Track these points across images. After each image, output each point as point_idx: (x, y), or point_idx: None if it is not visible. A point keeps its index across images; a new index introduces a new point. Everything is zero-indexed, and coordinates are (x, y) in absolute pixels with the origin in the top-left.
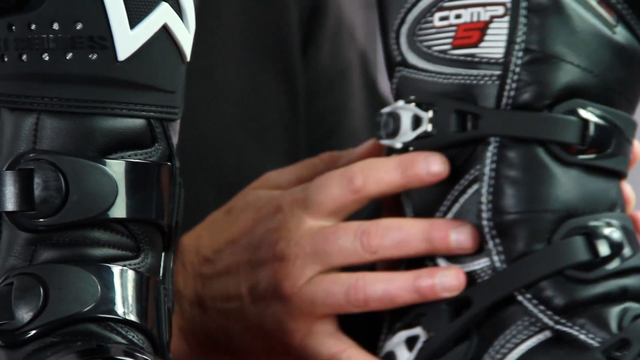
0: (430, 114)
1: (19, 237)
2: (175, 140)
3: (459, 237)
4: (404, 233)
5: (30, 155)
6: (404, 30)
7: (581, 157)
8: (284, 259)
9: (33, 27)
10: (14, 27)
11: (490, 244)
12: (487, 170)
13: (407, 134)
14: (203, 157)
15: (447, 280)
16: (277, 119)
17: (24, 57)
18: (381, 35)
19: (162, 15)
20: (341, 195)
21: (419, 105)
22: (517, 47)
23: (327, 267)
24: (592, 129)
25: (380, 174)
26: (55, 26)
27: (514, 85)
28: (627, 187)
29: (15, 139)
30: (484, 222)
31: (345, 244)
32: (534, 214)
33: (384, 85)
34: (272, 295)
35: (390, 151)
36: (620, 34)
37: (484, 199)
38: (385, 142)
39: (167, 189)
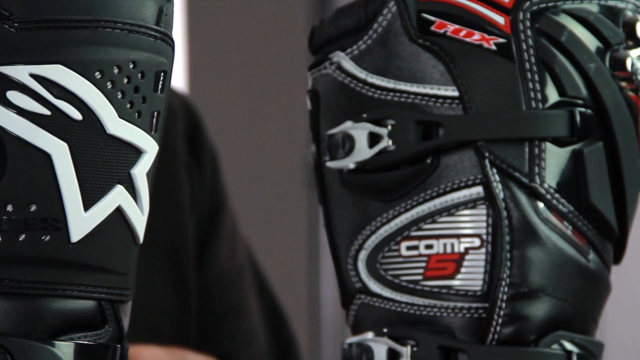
0: (409, 349)
1: None
2: (126, 322)
3: None
4: None
5: None
6: (362, 256)
7: None
8: None
9: None
10: None
11: None
12: None
13: None
14: None
15: None
16: (166, 319)
17: None
18: (332, 257)
19: (117, 197)
20: None
21: (394, 339)
22: (502, 282)
23: None
24: None
25: None
26: (9, 208)
27: (499, 320)
28: None
29: None
30: None
31: None
32: None
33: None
34: None
35: None
36: (593, 261)
37: None
38: None
39: None
